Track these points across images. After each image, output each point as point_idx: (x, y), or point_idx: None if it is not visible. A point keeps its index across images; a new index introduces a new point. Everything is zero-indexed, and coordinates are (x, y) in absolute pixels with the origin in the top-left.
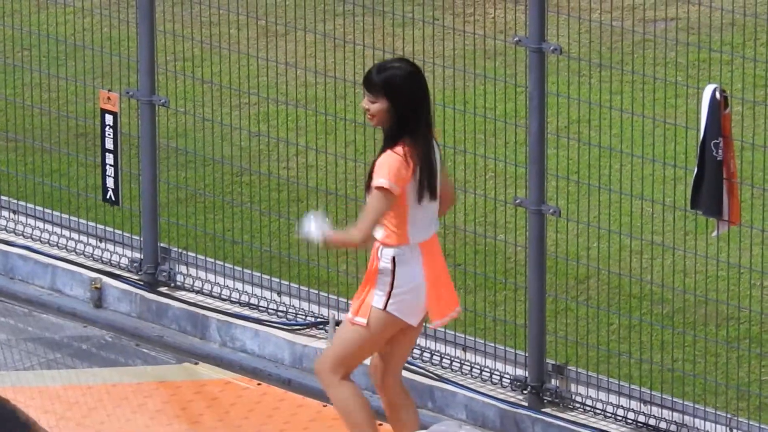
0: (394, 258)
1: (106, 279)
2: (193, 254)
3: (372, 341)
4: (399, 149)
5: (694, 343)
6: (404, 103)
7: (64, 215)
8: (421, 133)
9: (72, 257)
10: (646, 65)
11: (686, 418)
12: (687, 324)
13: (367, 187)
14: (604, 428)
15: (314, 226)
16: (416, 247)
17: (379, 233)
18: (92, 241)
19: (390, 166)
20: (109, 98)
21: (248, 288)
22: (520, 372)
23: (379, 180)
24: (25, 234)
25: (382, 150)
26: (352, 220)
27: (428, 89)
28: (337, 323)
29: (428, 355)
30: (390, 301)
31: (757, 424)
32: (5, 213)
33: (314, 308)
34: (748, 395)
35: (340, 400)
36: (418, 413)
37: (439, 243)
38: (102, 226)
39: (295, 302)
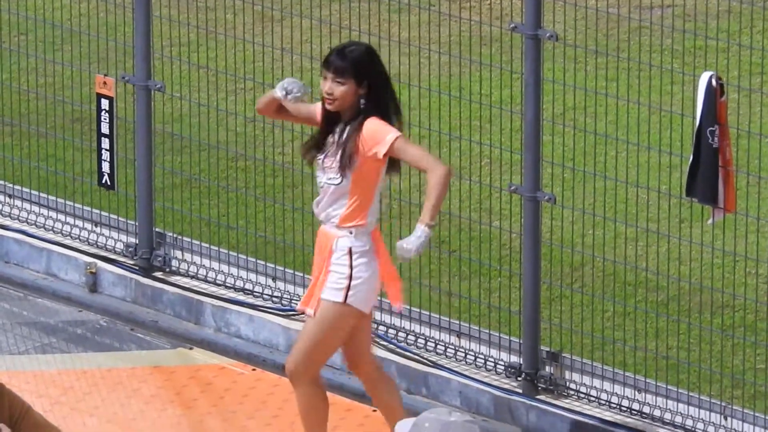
0: (350, 248)
1: (101, 264)
2: (188, 239)
3: (333, 337)
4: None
5: (689, 331)
6: (373, 83)
7: (59, 200)
8: (390, 116)
9: (67, 242)
10: (642, 52)
11: (680, 405)
12: (682, 312)
13: (343, 164)
14: (599, 415)
15: (412, 242)
16: (369, 234)
17: (337, 211)
18: (87, 226)
19: (386, 124)
20: (105, 83)
21: (243, 273)
22: (514, 359)
23: (393, 134)
24: (20, 218)
25: (353, 124)
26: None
27: (387, 69)
28: None
29: (422, 341)
30: (349, 293)
31: (752, 413)
32: (1, 197)
33: None
34: (743, 383)
35: (303, 398)
36: (398, 391)
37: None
38: (97, 211)
39: (290, 288)
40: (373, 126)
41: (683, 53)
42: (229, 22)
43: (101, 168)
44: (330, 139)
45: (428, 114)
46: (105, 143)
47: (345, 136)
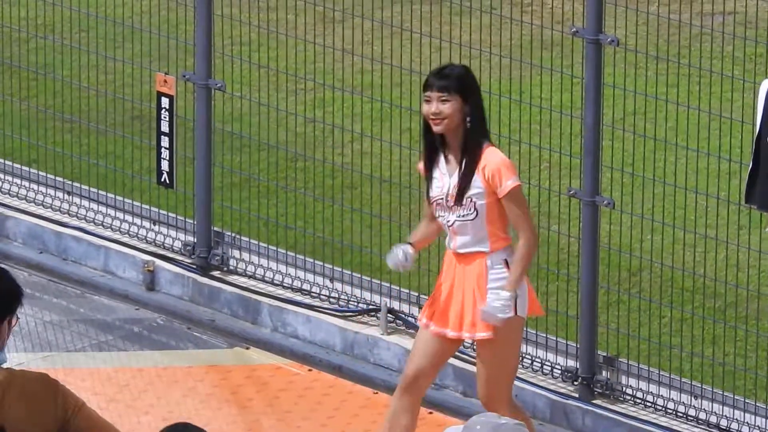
0: (506, 260)
1: (158, 262)
2: (246, 239)
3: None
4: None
5: (746, 338)
6: (475, 101)
7: (118, 197)
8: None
9: (125, 239)
10: (703, 58)
11: (736, 412)
12: (739, 318)
13: (461, 192)
14: (654, 421)
15: (501, 300)
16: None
17: (483, 245)
18: (146, 224)
19: (511, 164)
20: (165, 81)
21: (300, 273)
22: (571, 363)
23: (514, 179)
24: (78, 215)
25: (464, 153)
26: (405, 207)
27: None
28: (390, 311)
29: None
30: (518, 302)
31: None
32: (60, 194)
33: (366, 295)
34: None
35: None
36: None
37: None
38: (156, 209)
39: (347, 289)
40: (497, 161)
41: (744, 60)
42: (290, 22)
43: (160, 166)
44: (440, 171)
45: (488, 117)
46: (164, 141)
47: (464, 167)
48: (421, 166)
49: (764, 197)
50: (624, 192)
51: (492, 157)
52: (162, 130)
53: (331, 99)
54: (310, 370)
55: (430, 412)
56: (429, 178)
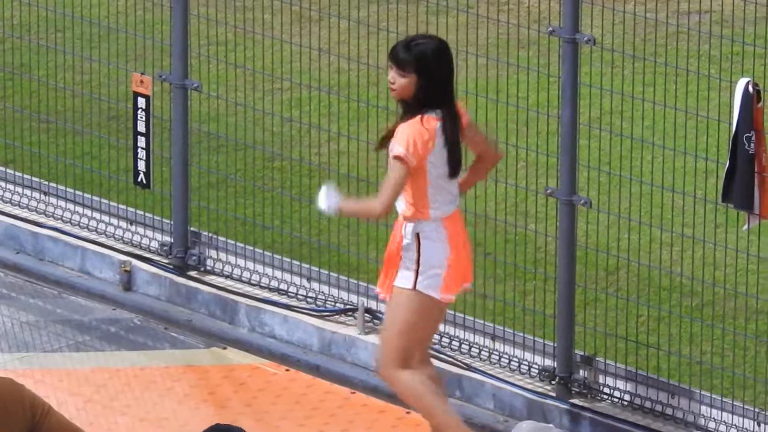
0: (418, 234)
1: (135, 262)
2: (224, 239)
3: (412, 323)
4: (419, 119)
5: (723, 336)
6: (432, 78)
7: (94, 197)
8: (446, 107)
9: (102, 240)
10: (680, 57)
11: (714, 411)
12: (716, 317)
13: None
14: (632, 420)
15: (328, 197)
16: (440, 221)
17: (401, 207)
18: (122, 224)
19: (409, 136)
20: (141, 81)
21: (278, 273)
22: (548, 362)
23: (398, 149)
24: (55, 216)
25: (402, 119)
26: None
27: (454, 64)
28: (367, 310)
29: (457, 343)
30: (419, 279)
31: None
32: (36, 194)
33: (344, 295)
34: None
35: (404, 389)
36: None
37: (462, 218)
38: (132, 209)
39: (325, 288)
40: (401, 130)
41: (720, 59)
42: (267, 22)
43: (137, 166)
44: None
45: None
46: (141, 141)
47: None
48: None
49: (741, 196)
50: (601, 191)
51: (400, 127)
52: (138, 130)
53: (308, 99)
54: (287, 370)
55: (408, 412)
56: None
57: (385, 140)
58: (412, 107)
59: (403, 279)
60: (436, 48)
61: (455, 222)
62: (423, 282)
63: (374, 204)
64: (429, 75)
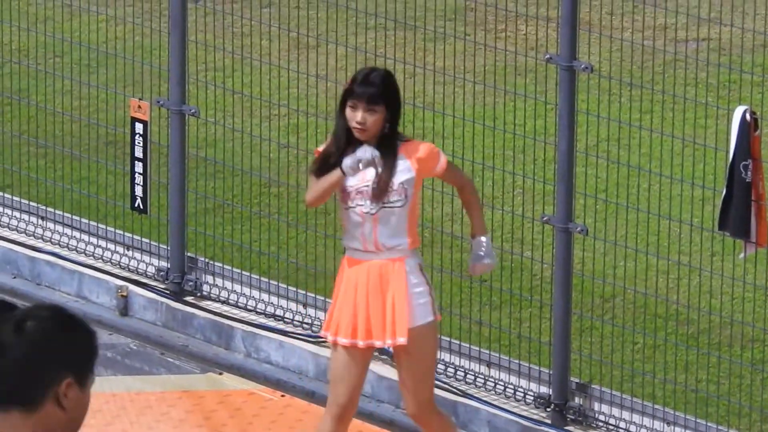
0: (420, 265)
1: (132, 287)
2: (220, 264)
3: (436, 353)
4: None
5: (719, 365)
6: (399, 103)
7: (92, 222)
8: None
9: (99, 265)
10: (677, 85)
11: None
12: (711, 345)
13: (383, 189)
14: None
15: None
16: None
17: (404, 241)
18: (119, 249)
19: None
20: (139, 107)
21: (274, 299)
22: (543, 389)
23: (443, 154)
24: (53, 240)
25: (383, 157)
26: None
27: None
28: None
29: (452, 370)
30: (434, 305)
31: None
32: (33, 219)
33: None
34: None
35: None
36: None
37: None
38: (129, 235)
39: (321, 314)
40: (425, 149)
41: (718, 87)
42: (264, 48)
43: (134, 191)
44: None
45: (461, 143)
46: (138, 167)
47: (385, 160)
48: (320, 149)
49: (737, 224)
50: (597, 218)
51: (422, 147)
52: (136, 155)
53: (305, 125)
54: (283, 395)
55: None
56: (335, 164)
57: (324, 165)
58: (388, 138)
59: (423, 313)
60: (387, 73)
61: None
62: (435, 305)
63: (473, 187)
64: (397, 100)
